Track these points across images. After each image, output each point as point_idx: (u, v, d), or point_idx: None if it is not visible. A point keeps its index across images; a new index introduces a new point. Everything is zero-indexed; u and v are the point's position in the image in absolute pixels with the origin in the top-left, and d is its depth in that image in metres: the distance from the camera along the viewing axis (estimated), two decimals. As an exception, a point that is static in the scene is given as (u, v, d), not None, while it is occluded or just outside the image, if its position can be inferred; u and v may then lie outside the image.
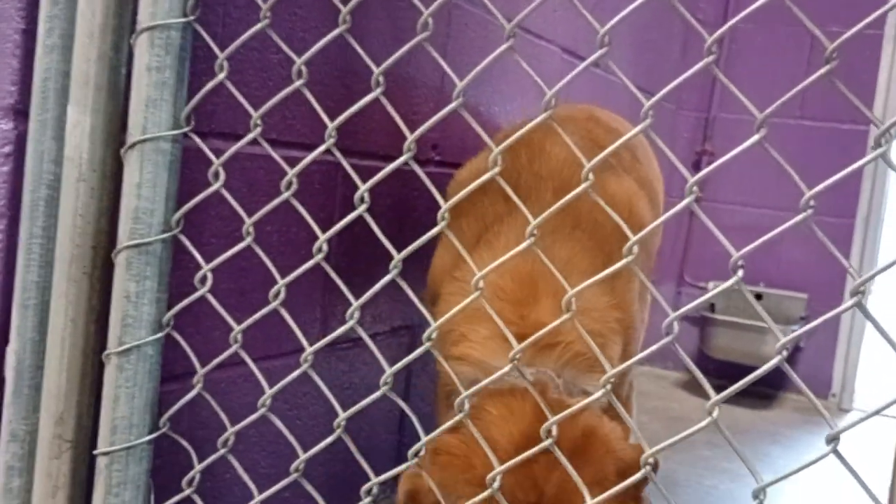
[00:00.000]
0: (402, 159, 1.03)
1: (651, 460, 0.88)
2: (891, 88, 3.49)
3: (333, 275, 1.12)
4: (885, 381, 3.90)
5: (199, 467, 1.21)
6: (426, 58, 2.01)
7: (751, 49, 3.69)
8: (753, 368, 0.82)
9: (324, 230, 1.12)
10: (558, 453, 0.95)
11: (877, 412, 0.79)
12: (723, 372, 3.18)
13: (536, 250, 0.95)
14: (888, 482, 1.75)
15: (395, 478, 2.18)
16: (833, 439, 0.78)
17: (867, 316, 0.77)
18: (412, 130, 1.03)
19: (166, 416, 1.21)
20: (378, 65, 1.05)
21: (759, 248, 0.80)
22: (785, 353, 0.79)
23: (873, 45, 3.52)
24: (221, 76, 1.18)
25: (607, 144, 0.93)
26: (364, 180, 1.08)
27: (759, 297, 3.72)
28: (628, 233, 0.88)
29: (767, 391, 3.69)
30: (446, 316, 1.07)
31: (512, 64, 1.02)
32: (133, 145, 1.15)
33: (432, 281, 1.65)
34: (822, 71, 0.77)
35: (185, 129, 1.17)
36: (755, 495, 0.80)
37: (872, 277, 0.77)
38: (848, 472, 0.78)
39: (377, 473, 1.06)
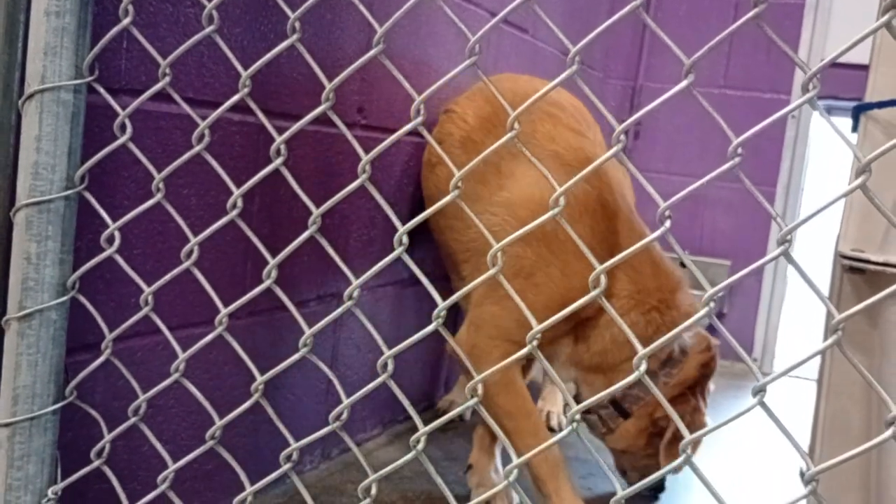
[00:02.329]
0: (320, 109, 0.98)
1: (577, 416, 0.86)
2: (812, 56, 3.58)
3: (249, 232, 1.07)
4: (803, 345, 4.04)
5: (108, 437, 1.15)
6: (353, 20, 1.95)
7: (676, 18, 3.73)
8: (678, 332, 0.81)
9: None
10: None
11: (798, 364, 0.79)
12: (649, 337, 3.22)
13: (460, 203, 0.92)
14: (807, 440, 1.80)
15: (322, 446, 2.12)
16: (759, 391, 0.77)
17: (792, 263, 0.77)
18: (337, 90, 0.98)
19: (72, 384, 1.15)
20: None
21: (685, 217, 0.79)
22: (713, 304, 0.78)
23: (795, 12, 3.59)
24: (126, 21, 1.11)
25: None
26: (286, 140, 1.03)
27: (683, 264, 3.75)
28: (554, 184, 0.85)
29: (692, 356, 3.77)
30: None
31: (441, 28, 0.98)
32: (31, 96, 1.08)
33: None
34: (751, 14, 0.75)
35: (88, 79, 1.10)
36: (682, 449, 0.80)
37: (798, 226, 0.77)
38: (769, 434, 0.78)
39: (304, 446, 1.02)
